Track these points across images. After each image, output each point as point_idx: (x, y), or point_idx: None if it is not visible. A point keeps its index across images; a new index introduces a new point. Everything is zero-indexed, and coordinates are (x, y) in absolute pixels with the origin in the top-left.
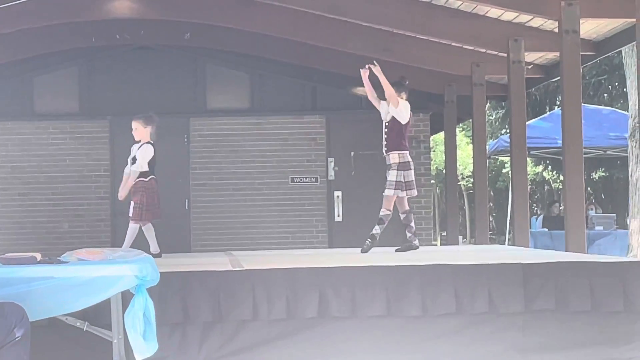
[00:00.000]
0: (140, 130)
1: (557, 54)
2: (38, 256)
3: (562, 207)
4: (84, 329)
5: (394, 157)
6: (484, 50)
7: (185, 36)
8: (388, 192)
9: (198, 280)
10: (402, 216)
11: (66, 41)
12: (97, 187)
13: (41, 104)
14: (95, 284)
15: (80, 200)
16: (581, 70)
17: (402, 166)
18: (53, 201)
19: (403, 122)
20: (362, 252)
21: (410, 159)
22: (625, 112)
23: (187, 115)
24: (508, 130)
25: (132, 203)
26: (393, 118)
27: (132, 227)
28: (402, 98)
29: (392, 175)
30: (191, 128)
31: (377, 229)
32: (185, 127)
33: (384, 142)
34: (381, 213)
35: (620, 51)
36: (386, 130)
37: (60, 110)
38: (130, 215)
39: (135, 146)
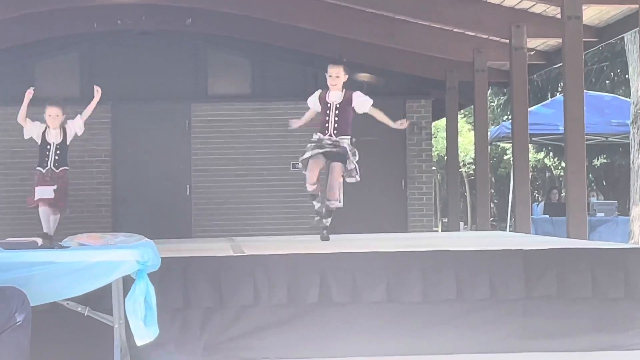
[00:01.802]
0: (61, 117)
1: (560, 40)
2: (39, 241)
3: (561, 194)
4: (85, 314)
5: (347, 143)
6: (486, 36)
7: (187, 22)
8: (353, 180)
9: (199, 265)
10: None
11: (67, 26)
12: (98, 172)
13: (42, 89)
14: (96, 269)
15: (82, 186)
16: (583, 57)
17: (353, 152)
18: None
19: (359, 112)
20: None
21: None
22: (627, 99)
23: (189, 101)
24: (510, 117)
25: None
26: (347, 103)
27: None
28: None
29: (353, 163)
30: (192, 114)
31: (329, 221)
32: (187, 112)
33: (335, 125)
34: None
35: (623, 38)
36: (337, 113)
37: (62, 95)
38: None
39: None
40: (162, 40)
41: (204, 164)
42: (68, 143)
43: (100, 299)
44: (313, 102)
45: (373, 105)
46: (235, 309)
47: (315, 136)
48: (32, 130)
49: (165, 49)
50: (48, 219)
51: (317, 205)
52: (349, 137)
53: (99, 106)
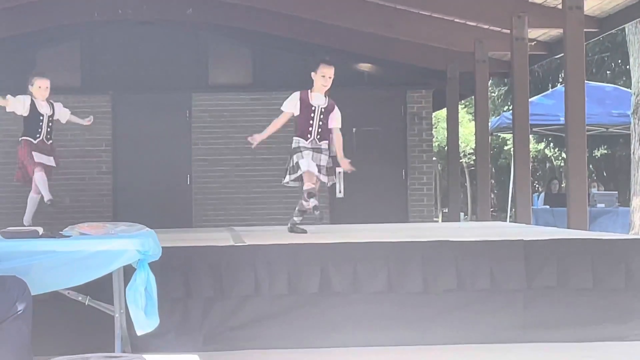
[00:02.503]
0: (49, 90)
1: (561, 30)
2: (40, 230)
3: (562, 185)
4: (86, 303)
5: (326, 148)
6: (487, 27)
7: (188, 11)
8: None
9: (200, 255)
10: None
11: (68, 16)
12: (99, 161)
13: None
14: (97, 258)
15: (82, 175)
16: (584, 47)
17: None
18: (55, 176)
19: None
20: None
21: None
22: (628, 90)
23: (189, 90)
24: (510, 107)
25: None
26: (330, 110)
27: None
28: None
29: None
30: (193, 103)
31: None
32: (187, 102)
33: (318, 130)
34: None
35: (624, 28)
36: (322, 117)
37: (62, 84)
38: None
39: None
40: (163, 29)
41: (204, 153)
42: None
43: (101, 288)
44: (293, 105)
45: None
46: (235, 299)
47: (296, 142)
48: (15, 105)
49: (166, 39)
50: (46, 185)
51: (315, 202)
52: (327, 142)
53: (100, 96)
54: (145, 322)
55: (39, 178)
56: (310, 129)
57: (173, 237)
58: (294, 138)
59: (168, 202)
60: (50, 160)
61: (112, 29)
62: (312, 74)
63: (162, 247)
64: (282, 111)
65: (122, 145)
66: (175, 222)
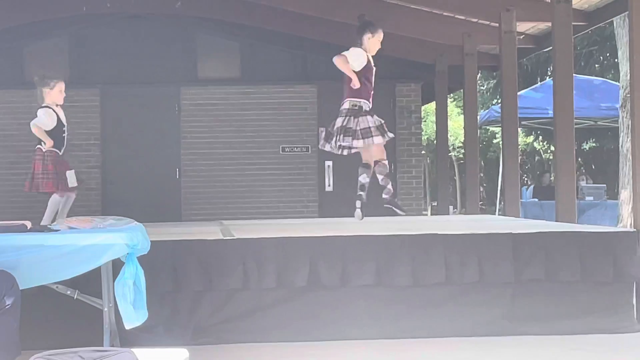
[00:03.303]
0: None
1: (549, 24)
2: (28, 224)
3: (552, 178)
4: (75, 297)
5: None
6: (475, 20)
7: (176, 5)
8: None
9: (189, 249)
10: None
11: (56, 9)
12: (87, 156)
13: (31, 72)
14: (85, 252)
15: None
16: (573, 41)
17: None
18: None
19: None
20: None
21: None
22: (616, 83)
23: (178, 84)
24: (499, 101)
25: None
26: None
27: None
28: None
29: None
30: (182, 97)
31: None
32: (176, 96)
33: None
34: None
35: (612, 22)
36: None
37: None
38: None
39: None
40: (152, 23)
41: (193, 147)
42: None
43: (89, 282)
44: (360, 63)
45: None
46: (224, 293)
47: (362, 104)
48: (53, 119)
49: (155, 33)
50: (54, 211)
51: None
52: None
53: (88, 90)
54: (133, 316)
55: (57, 201)
56: (372, 92)
57: (162, 231)
58: (355, 100)
59: (157, 196)
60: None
61: (100, 23)
62: (368, 36)
63: (151, 241)
64: (345, 60)
65: (110, 139)
66: (165, 215)
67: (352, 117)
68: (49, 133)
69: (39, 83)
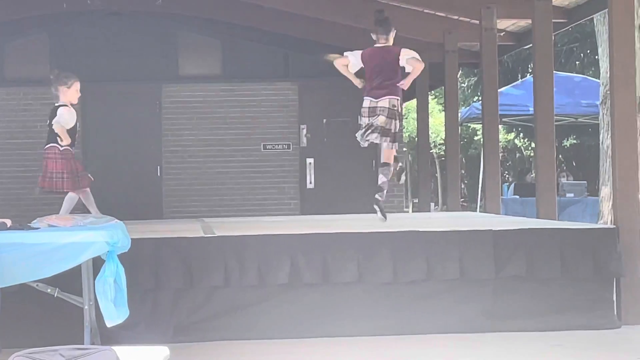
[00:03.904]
0: None
1: (530, 21)
2: (8, 222)
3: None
4: (55, 295)
5: None
6: (456, 17)
7: (157, 2)
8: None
9: (170, 246)
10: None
11: (37, 7)
12: None
13: (12, 70)
14: (65, 250)
15: None
16: (553, 38)
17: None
18: (24, 167)
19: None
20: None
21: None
22: (597, 80)
23: (159, 82)
24: (480, 98)
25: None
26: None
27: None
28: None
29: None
30: (163, 95)
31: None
32: (157, 94)
33: None
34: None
35: (592, 18)
36: None
37: (31, 76)
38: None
39: None
40: (133, 21)
41: (175, 145)
42: None
43: (70, 280)
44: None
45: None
46: (205, 290)
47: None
48: (74, 118)
49: (136, 30)
50: (71, 207)
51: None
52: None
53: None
54: (114, 314)
55: (74, 197)
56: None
57: (143, 229)
58: (400, 99)
59: (138, 193)
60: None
61: (81, 20)
62: (393, 31)
63: (132, 239)
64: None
65: (91, 136)
66: (146, 213)
67: (392, 119)
68: (68, 130)
69: (56, 81)
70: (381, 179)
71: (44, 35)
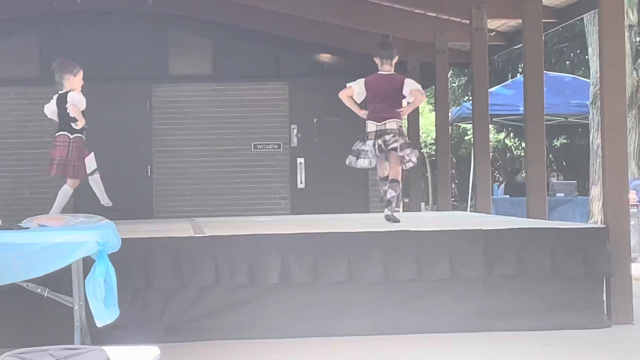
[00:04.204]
0: None
1: (520, 21)
2: None
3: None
4: (45, 295)
5: None
6: (446, 17)
7: (148, 2)
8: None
9: (160, 246)
10: None
11: (27, 6)
12: None
13: (2, 69)
14: (56, 250)
15: (42, 166)
16: (543, 38)
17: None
18: (14, 167)
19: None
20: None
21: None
22: (587, 80)
23: (150, 81)
24: (470, 98)
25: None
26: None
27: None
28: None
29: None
30: (153, 94)
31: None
32: (148, 93)
33: None
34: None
35: (582, 19)
36: None
37: (22, 75)
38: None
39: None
40: (123, 20)
41: (165, 144)
42: None
43: (60, 280)
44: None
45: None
46: (196, 290)
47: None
48: (84, 101)
49: (126, 30)
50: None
51: None
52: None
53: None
54: (105, 314)
55: (68, 191)
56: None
57: (133, 229)
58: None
59: (129, 193)
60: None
61: (71, 20)
62: (397, 57)
63: (122, 239)
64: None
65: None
66: (136, 213)
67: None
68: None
69: (62, 69)
70: (390, 193)
71: (35, 35)
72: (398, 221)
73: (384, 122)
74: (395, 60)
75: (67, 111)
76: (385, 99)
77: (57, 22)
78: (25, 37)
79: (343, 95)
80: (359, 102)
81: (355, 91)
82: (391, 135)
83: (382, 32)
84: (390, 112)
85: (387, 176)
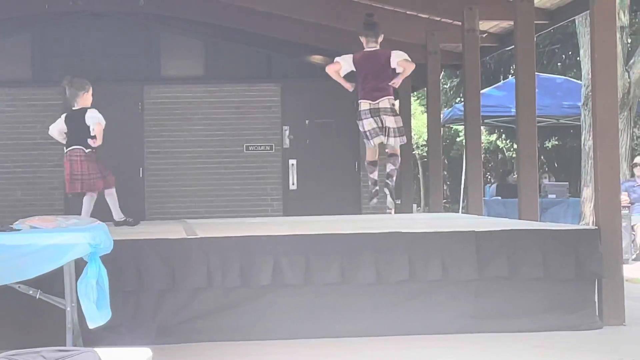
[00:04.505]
0: None
1: (512, 22)
2: None
3: (515, 176)
4: (37, 297)
5: None
6: (438, 19)
7: (140, 3)
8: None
9: (152, 248)
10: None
11: (19, 8)
12: (50, 154)
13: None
14: (48, 252)
15: (34, 168)
16: (535, 39)
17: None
18: (6, 169)
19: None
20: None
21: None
22: (579, 81)
23: (141, 83)
24: (462, 99)
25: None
26: None
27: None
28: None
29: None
30: (145, 96)
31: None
32: (139, 94)
33: None
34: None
35: (574, 20)
36: None
37: (13, 77)
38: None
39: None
40: (115, 21)
41: (157, 146)
42: None
43: (52, 282)
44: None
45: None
46: (188, 291)
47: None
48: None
49: (118, 31)
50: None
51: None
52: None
53: (50, 88)
54: (97, 316)
55: (93, 199)
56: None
57: (125, 230)
58: (393, 98)
59: (121, 194)
60: None
61: (63, 21)
62: (382, 35)
63: (114, 240)
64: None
65: None
66: (128, 214)
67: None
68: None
69: (74, 86)
70: (390, 167)
71: (26, 36)
72: (394, 201)
73: (377, 101)
74: (380, 38)
75: (89, 127)
76: (376, 77)
77: (48, 24)
78: (16, 39)
79: (331, 70)
80: (342, 76)
81: (342, 67)
82: (386, 115)
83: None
84: (382, 89)
85: (376, 161)
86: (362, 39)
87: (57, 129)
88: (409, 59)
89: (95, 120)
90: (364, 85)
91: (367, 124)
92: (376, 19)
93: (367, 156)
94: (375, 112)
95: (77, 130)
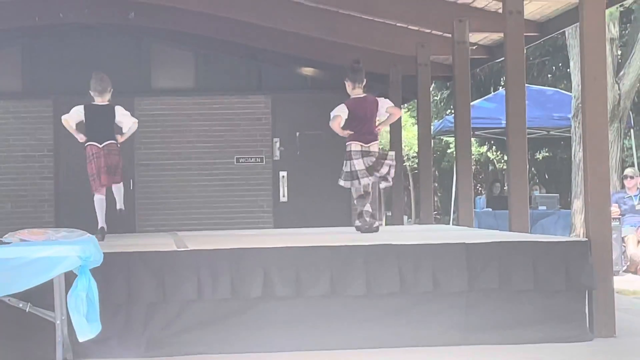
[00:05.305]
0: None
1: (502, 34)
2: None
3: (504, 187)
4: (27, 310)
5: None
6: (428, 31)
7: (130, 15)
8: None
9: (142, 260)
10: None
11: (9, 19)
12: (40, 167)
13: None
14: (38, 265)
15: (24, 181)
16: (525, 51)
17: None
18: None
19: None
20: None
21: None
22: (569, 93)
23: (132, 95)
24: (453, 111)
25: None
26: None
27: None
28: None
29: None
30: (135, 108)
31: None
32: (130, 107)
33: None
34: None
35: (564, 32)
36: None
37: (3, 89)
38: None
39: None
40: (105, 34)
41: (147, 158)
42: None
43: (42, 294)
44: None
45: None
46: (178, 304)
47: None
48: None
49: (108, 43)
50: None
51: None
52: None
53: (41, 100)
54: (87, 328)
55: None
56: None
57: (115, 243)
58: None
59: (110, 207)
60: None
61: (53, 33)
62: (365, 81)
63: (104, 253)
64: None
65: (64, 150)
66: (118, 227)
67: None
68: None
69: (106, 82)
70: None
71: (16, 48)
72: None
73: (368, 145)
74: (364, 83)
75: (119, 122)
76: (367, 122)
77: (39, 36)
78: (6, 51)
79: (335, 126)
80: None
81: (343, 118)
82: (378, 161)
83: (364, 46)
84: (372, 133)
85: (369, 192)
86: (348, 84)
87: (74, 119)
88: (395, 106)
89: (130, 119)
90: (359, 129)
91: (358, 165)
92: (362, 65)
93: (354, 193)
94: (365, 154)
95: (107, 124)
